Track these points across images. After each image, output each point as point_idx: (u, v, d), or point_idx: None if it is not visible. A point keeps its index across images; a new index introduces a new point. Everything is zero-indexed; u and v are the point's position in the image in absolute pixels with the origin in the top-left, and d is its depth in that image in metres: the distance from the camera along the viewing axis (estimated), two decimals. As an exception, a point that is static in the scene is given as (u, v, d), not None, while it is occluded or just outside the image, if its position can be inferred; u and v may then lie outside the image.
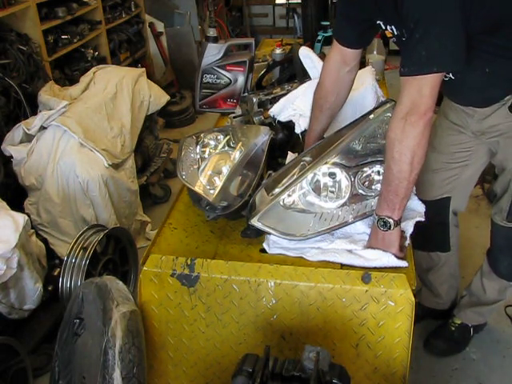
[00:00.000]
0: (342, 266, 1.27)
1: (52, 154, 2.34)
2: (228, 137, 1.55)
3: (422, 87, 1.15)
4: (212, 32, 2.08)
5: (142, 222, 2.79)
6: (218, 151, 1.54)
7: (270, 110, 1.73)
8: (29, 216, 2.02)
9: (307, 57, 1.87)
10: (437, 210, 1.81)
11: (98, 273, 1.98)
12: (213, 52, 2.08)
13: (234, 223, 1.48)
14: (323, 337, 1.26)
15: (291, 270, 1.26)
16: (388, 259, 1.24)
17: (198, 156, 1.54)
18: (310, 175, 1.35)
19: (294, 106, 1.70)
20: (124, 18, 3.83)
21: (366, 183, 1.36)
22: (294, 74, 2.14)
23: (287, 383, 0.97)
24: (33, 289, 1.91)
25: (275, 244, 1.35)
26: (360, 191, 1.35)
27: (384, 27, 1.34)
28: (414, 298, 1.19)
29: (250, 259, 1.33)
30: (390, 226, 1.24)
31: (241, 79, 2.11)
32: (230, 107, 2.11)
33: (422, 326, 2.14)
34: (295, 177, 1.37)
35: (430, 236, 1.86)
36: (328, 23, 2.64)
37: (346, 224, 1.34)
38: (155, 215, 2.94)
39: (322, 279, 1.23)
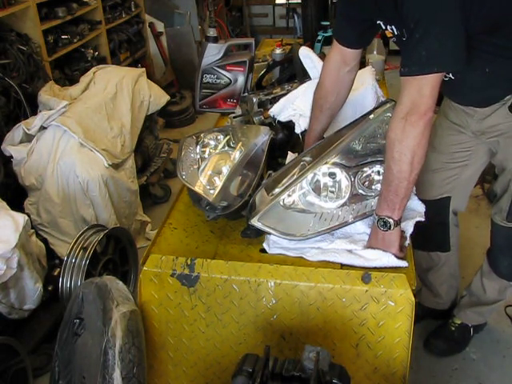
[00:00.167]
0: (342, 265, 1.27)
1: (52, 154, 2.34)
2: (228, 137, 1.55)
3: (422, 87, 1.15)
4: (212, 32, 2.08)
5: (142, 222, 2.79)
6: (218, 151, 1.54)
7: (270, 110, 1.73)
8: (29, 216, 2.02)
9: (307, 57, 1.87)
10: (437, 209, 1.81)
11: (98, 273, 1.98)
12: (213, 52, 2.08)
13: (234, 223, 1.48)
14: (323, 337, 1.26)
15: (291, 269, 1.26)
16: (388, 259, 1.24)
17: (198, 156, 1.54)
18: (309, 175, 1.35)
19: (294, 106, 1.70)
20: (124, 18, 3.83)
21: (366, 183, 1.36)
22: (294, 74, 2.14)
23: (287, 383, 0.97)
24: (33, 289, 1.91)
25: (275, 244, 1.35)
26: (360, 191, 1.35)
27: (384, 27, 1.34)
28: (414, 298, 1.19)
29: (250, 259, 1.33)
30: (390, 226, 1.24)
31: (241, 79, 2.11)
32: (230, 107, 2.11)
33: (422, 326, 2.14)
34: (295, 177, 1.37)
35: (430, 236, 1.86)
36: (328, 23, 2.64)
37: (345, 224, 1.34)
38: (155, 215, 2.94)
39: (321, 279, 1.23)
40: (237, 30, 6.16)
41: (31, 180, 2.36)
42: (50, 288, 2.07)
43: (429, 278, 2.08)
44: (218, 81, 2.10)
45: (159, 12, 4.52)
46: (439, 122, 1.78)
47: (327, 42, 2.49)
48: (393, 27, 1.30)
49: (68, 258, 1.92)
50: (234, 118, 1.87)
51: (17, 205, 2.26)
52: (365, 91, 1.80)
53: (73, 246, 1.94)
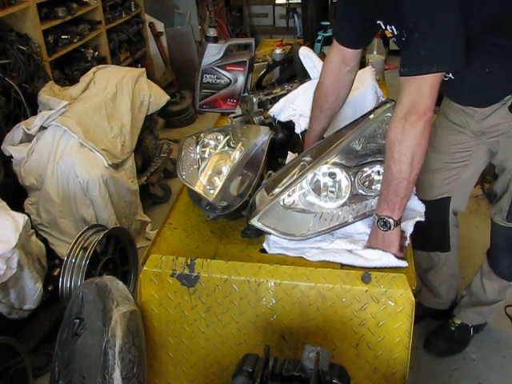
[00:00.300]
0: (342, 265, 1.27)
1: (52, 154, 2.34)
2: (228, 137, 1.55)
3: (422, 87, 1.15)
4: (212, 32, 2.08)
5: (142, 222, 2.79)
6: (218, 151, 1.54)
7: (270, 110, 1.73)
8: (29, 216, 2.02)
9: (307, 57, 1.87)
10: (437, 209, 1.81)
11: (98, 273, 1.98)
12: (213, 52, 2.08)
13: (234, 223, 1.48)
14: (323, 337, 1.26)
15: (291, 269, 1.26)
16: (388, 259, 1.24)
17: (198, 156, 1.54)
18: (309, 175, 1.35)
19: (294, 106, 1.70)
20: (124, 18, 3.83)
21: (366, 183, 1.36)
22: (294, 74, 2.14)
23: (287, 383, 0.97)
24: (33, 289, 1.91)
25: (275, 244, 1.35)
26: (360, 191, 1.35)
27: (384, 27, 1.34)
28: (414, 298, 1.19)
29: (250, 259, 1.33)
30: (390, 226, 1.24)
31: (241, 79, 2.11)
32: (230, 107, 2.11)
33: (422, 326, 2.14)
34: (295, 177, 1.37)
35: (430, 236, 1.85)
36: (328, 23, 2.64)
37: (346, 224, 1.34)
38: (155, 215, 2.94)
39: (321, 279, 1.23)
40: (237, 30, 6.15)
41: (31, 180, 2.36)
42: (50, 288, 2.07)
43: (429, 278, 2.08)
44: (218, 81, 2.10)
45: (159, 12, 4.52)
46: (439, 122, 1.78)
47: (327, 42, 2.49)
48: (393, 27, 1.30)
49: (68, 258, 1.92)
50: (234, 117, 1.87)
51: (17, 205, 2.26)
52: (365, 91, 1.80)
53: (73, 246, 1.94)
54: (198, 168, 1.51)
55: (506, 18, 1.30)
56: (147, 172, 3.02)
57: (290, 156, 1.59)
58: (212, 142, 1.56)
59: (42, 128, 2.39)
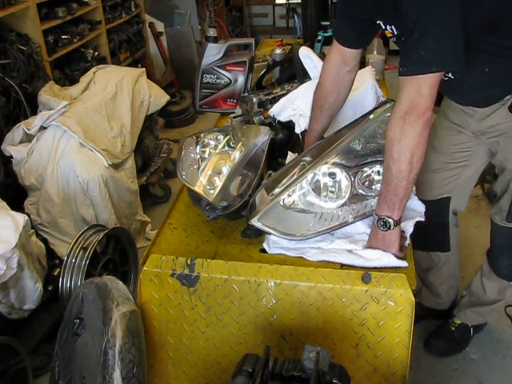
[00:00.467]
0: (342, 265, 1.27)
1: (52, 153, 2.34)
2: (228, 137, 1.55)
3: (421, 87, 1.15)
4: (212, 32, 2.08)
5: (142, 222, 2.79)
6: (218, 151, 1.54)
7: (270, 110, 1.73)
8: (29, 216, 2.02)
9: (307, 57, 1.87)
10: (437, 210, 1.81)
11: (97, 273, 1.98)
12: (213, 52, 2.08)
13: (234, 223, 1.48)
14: (323, 337, 1.26)
15: (291, 269, 1.26)
16: (388, 259, 1.24)
17: (198, 156, 1.54)
18: (310, 175, 1.35)
19: (294, 106, 1.70)
20: (124, 18, 3.83)
21: (366, 183, 1.36)
22: (294, 74, 2.14)
23: (287, 383, 0.97)
24: (33, 289, 1.91)
25: (275, 244, 1.35)
26: (360, 191, 1.35)
27: (384, 27, 1.34)
28: (414, 298, 1.19)
29: (250, 259, 1.33)
30: (390, 226, 1.24)
31: (241, 79, 2.11)
32: (230, 107, 2.11)
33: (422, 326, 2.14)
34: (295, 177, 1.37)
35: (430, 236, 1.85)
36: (328, 23, 2.64)
37: (346, 224, 1.34)
38: (155, 215, 2.94)
39: (321, 279, 1.23)
40: (237, 30, 6.15)
41: (31, 180, 2.36)
42: (50, 288, 2.07)
43: (429, 278, 2.08)
44: (218, 81, 2.10)
45: (159, 12, 4.52)
46: (439, 122, 1.78)
47: (327, 42, 2.49)
48: (392, 27, 1.30)
49: (68, 258, 1.92)
50: (234, 117, 1.87)
51: (17, 205, 2.26)
52: (365, 91, 1.80)
53: (73, 246, 1.94)
54: (198, 168, 1.51)
55: (506, 18, 1.29)
56: (147, 172, 3.02)
57: (290, 156, 1.59)
58: (212, 142, 1.56)
59: (42, 128, 2.39)
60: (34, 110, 2.54)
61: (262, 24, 6.39)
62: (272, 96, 1.84)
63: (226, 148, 1.54)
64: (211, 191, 1.43)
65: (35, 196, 2.39)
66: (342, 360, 1.23)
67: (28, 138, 2.39)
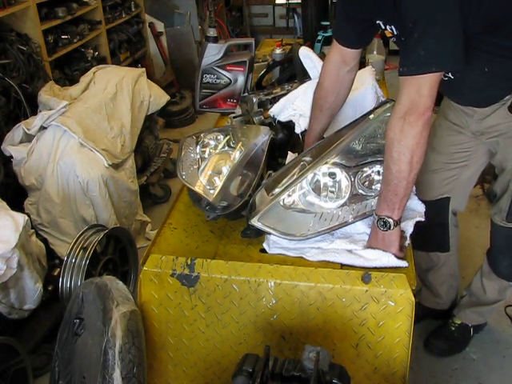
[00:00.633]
0: (342, 265, 1.27)
1: (52, 153, 2.34)
2: (228, 137, 1.55)
3: (421, 87, 1.15)
4: (212, 32, 2.08)
5: (142, 222, 2.79)
6: (218, 151, 1.54)
7: (270, 110, 1.73)
8: (29, 216, 2.02)
9: (307, 57, 1.87)
10: (436, 210, 1.81)
11: (97, 273, 1.98)
12: (213, 52, 2.08)
13: (234, 223, 1.48)
14: (323, 337, 1.26)
15: (291, 269, 1.26)
16: (388, 259, 1.24)
17: (198, 156, 1.54)
18: (310, 175, 1.35)
19: (294, 106, 1.70)
20: (124, 17, 3.83)
21: (366, 183, 1.36)
22: (294, 74, 2.14)
23: (287, 383, 0.97)
24: (33, 289, 1.91)
25: (275, 244, 1.35)
26: (360, 191, 1.35)
27: (384, 27, 1.34)
28: (414, 298, 1.19)
29: (250, 259, 1.33)
30: (390, 226, 1.24)
31: (241, 79, 2.11)
32: (230, 107, 2.11)
33: (422, 326, 2.14)
34: (295, 177, 1.37)
35: (430, 236, 1.85)
36: (328, 23, 2.64)
37: (346, 224, 1.34)
38: (155, 215, 2.95)
39: (321, 279, 1.23)
40: (237, 30, 6.16)
41: (31, 180, 2.36)
42: (50, 288, 2.07)
43: (429, 278, 2.08)
44: (218, 81, 2.10)
45: (159, 12, 4.52)
46: (439, 122, 1.78)
47: (327, 42, 2.49)
48: (392, 27, 1.30)
49: (68, 258, 1.92)
50: (234, 117, 1.87)
51: (17, 205, 2.26)
52: (365, 91, 1.80)
53: (73, 246, 1.94)
54: (198, 168, 1.51)
55: (506, 18, 1.29)
56: (147, 172, 3.02)
57: (290, 156, 1.59)
58: (212, 142, 1.56)
59: (42, 128, 2.39)
60: (34, 110, 2.54)
61: (262, 24, 6.39)
62: (272, 96, 1.84)
63: (226, 148, 1.54)
64: (211, 191, 1.43)
65: (35, 196, 2.39)
66: (342, 360, 1.23)
67: (28, 138, 2.39)
